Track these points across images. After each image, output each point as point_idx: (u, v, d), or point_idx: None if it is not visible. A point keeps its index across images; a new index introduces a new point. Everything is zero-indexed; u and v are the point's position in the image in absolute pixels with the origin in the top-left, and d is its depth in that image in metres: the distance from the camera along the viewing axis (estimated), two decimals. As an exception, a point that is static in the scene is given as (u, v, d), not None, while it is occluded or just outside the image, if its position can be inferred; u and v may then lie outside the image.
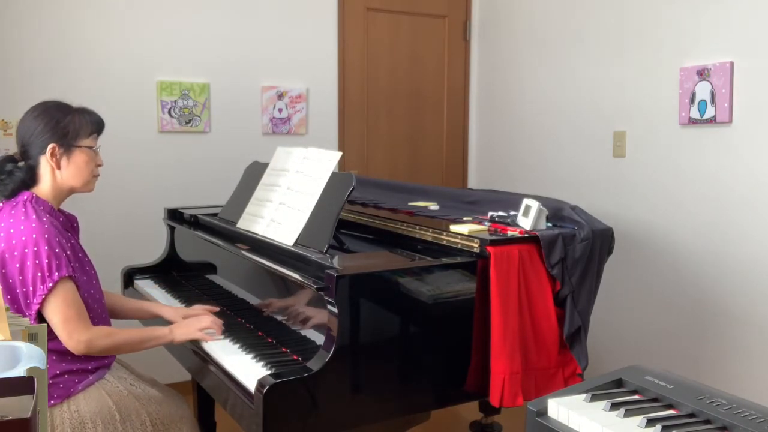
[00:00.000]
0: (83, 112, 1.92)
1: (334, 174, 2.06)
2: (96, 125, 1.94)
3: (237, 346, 1.90)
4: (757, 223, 2.58)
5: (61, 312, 1.75)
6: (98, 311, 1.93)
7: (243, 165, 2.71)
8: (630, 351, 3.13)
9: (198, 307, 2.15)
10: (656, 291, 3.00)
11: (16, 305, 1.76)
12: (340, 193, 1.97)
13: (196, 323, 1.98)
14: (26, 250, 1.73)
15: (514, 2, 3.77)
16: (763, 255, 2.57)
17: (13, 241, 1.75)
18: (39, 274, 1.73)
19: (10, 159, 1.89)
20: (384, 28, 3.86)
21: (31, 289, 1.74)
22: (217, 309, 2.14)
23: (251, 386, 1.61)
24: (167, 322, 2.10)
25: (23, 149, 1.88)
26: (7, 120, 3.06)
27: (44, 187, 1.88)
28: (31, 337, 1.05)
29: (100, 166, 1.96)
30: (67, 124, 1.86)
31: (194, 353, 1.98)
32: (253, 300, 2.14)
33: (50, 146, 1.84)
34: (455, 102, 4.10)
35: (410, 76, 3.96)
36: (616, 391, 1.33)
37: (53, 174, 1.87)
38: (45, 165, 1.87)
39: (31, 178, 1.87)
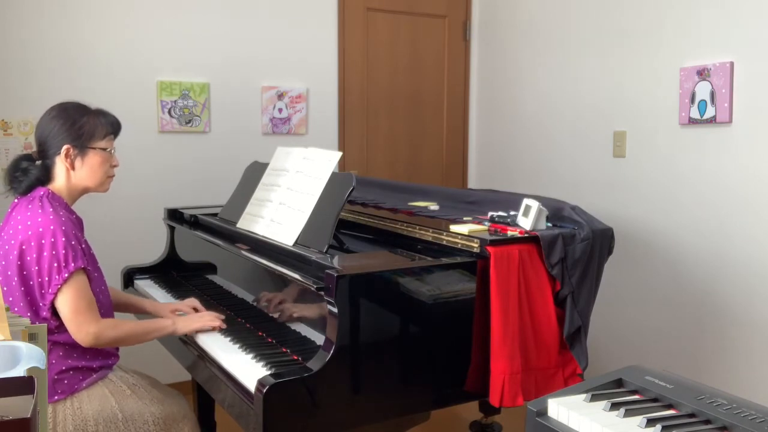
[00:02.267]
0: (100, 113, 1.96)
1: (334, 174, 2.06)
2: (112, 127, 1.97)
3: (237, 346, 1.90)
4: (757, 222, 2.58)
5: (73, 303, 1.78)
6: (107, 307, 1.97)
7: (243, 165, 2.71)
8: (630, 351, 3.13)
9: (191, 301, 2.20)
10: (656, 291, 3.00)
11: (30, 296, 1.79)
12: (340, 193, 1.97)
13: (199, 317, 2.04)
14: (43, 241, 1.77)
15: (514, 2, 3.77)
16: (762, 255, 2.57)
17: (30, 233, 1.78)
18: (55, 265, 1.76)
19: (27, 157, 1.93)
20: (384, 28, 3.86)
21: (46, 279, 1.77)
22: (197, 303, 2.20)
23: (251, 386, 1.61)
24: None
25: (40, 149, 1.92)
26: (7, 120, 3.06)
27: (59, 185, 1.92)
28: (31, 337, 1.05)
29: (115, 166, 1.99)
30: (83, 126, 1.90)
31: (194, 353, 1.98)
32: (253, 300, 2.14)
33: (65, 147, 1.88)
34: (455, 102, 4.10)
35: (410, 76, 3.96)
36: (616, 391, 1.33)
37: (68, 174, 1.91)
38: (60, 165, 1.91)
39: (45, 176, 1.91)
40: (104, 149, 1.94)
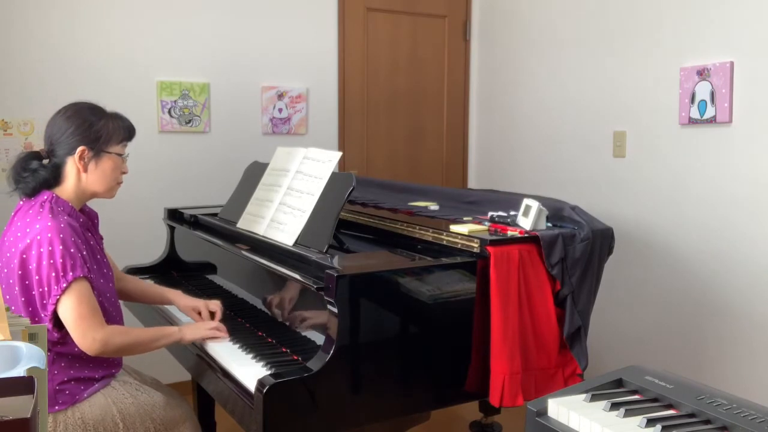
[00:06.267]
0: (116, 117, 1.92)
1: (334, 174, 2.06)
2: (127, 132, 1.93)
3: (237, 346, 1.90)
4: (756, 223, 2.58)
5: (75, 311, 1.72)
6: (113, 313, 1.91)
7: (243, 165, 2.71)
8: (630, 351, 3.13)
9: (215, 304, 2.13)
10: (656, 291, 3.00)
11: (31, 307, 1.75)
12: (340, 193, 1.97)
13: (205, 325, 1.99)
14: (41, 250, 1.72)
15: (514, 2, 3.77)
16: (762, 255, 2.57)
17: (28, 240, 1.73)
18: (53, 274, 1.71)
19: (36, 155, 1.86)
20: (384, 28, 3.86)
21: (46, 289, 1.72)
22: (219, 309, 2.12)
23: (251, 386, 1.61)
24: (172, 320, 2.15)
25: (50, 147, 1.86)
26: (8, 120, 3.06)
27: (67, 188, 1.86)
28: (31, 337, 1.05)
29: (124, 173, 1.94)
30: (100, 129, 1.86)
31: (195, 354, 1.98)
32: (253, 300, 2.14)
33: (80, 148, 1.83)
34: (455, 102, 4.10)
35: (410, 76, 3.96)
36: (616, 391, 1.33)
37: (78, 176, 1.85)
38: (71, 166, 1.85)
39: (54, 178, 1.85)
40: (119, 155, 1.90)
